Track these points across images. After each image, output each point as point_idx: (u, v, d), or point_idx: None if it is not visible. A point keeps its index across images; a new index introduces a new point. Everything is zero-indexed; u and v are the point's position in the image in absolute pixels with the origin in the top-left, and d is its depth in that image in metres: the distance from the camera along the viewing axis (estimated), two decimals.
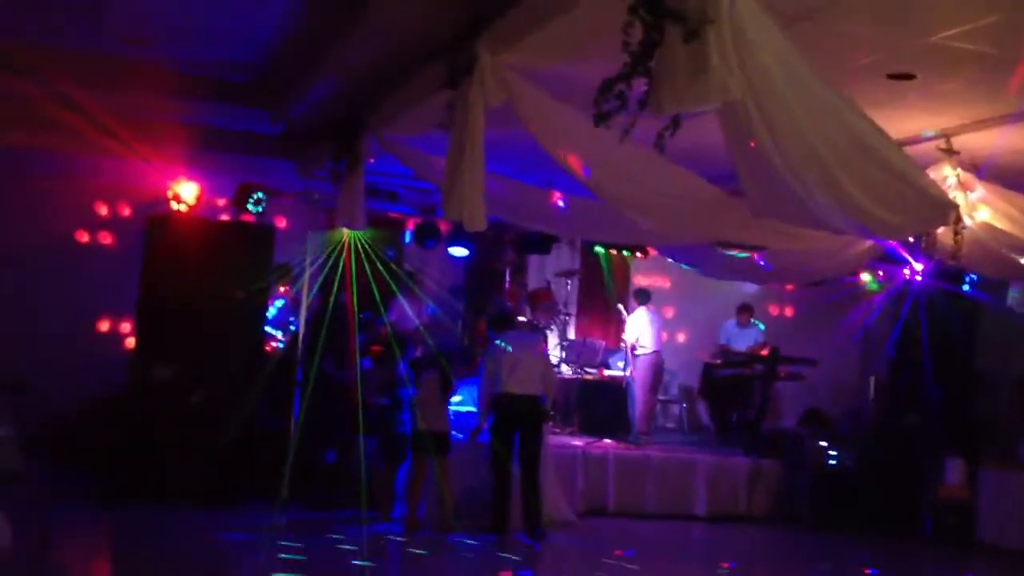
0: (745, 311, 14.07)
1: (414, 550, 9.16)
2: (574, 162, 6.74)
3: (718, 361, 13.91)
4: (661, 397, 14.16)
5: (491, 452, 9.75)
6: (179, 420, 10.45)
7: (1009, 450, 11.65)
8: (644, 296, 13.52)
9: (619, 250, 14.00)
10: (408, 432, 10.11)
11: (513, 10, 6.14)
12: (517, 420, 9.73)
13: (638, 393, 13.07)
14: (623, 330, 13.54)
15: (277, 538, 9.25)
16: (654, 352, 13.09)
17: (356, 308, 11.03)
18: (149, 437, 10.42)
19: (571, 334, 14.50)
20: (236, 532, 9.32)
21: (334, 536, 9.23)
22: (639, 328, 13.13)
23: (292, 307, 12.04)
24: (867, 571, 9.51)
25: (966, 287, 11.73)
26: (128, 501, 9.94)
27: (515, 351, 9.89)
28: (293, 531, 9.38)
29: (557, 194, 8.99)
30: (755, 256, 10.12)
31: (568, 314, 14.48)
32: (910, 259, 9.52)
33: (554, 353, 13.72)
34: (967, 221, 7.72)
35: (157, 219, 11.22)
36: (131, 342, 11.85)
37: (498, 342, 10.10)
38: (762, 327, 13.85)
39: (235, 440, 10.43)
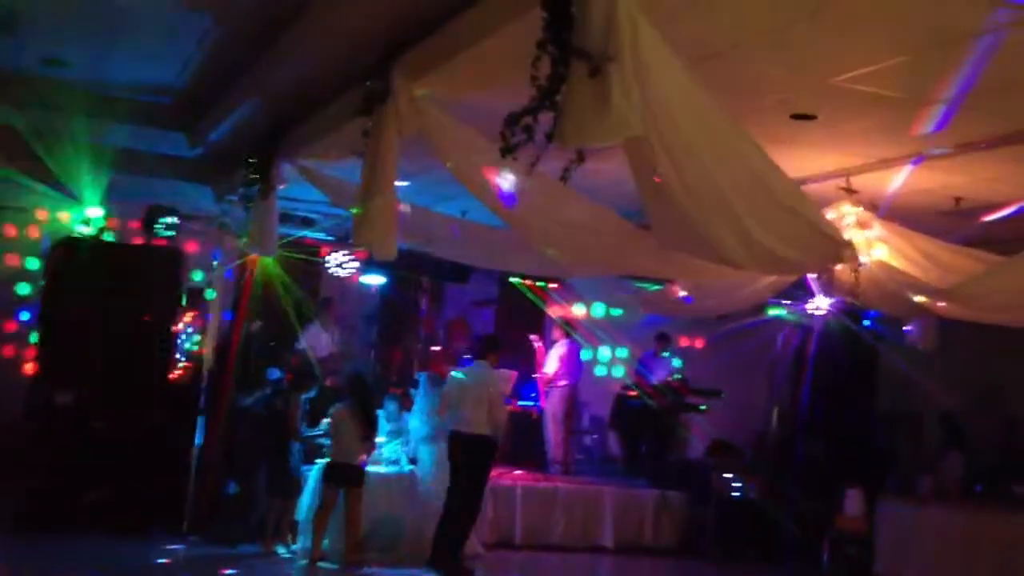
0: (660, 340, 14.28)
1: None
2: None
3: (628, 392, 14.05)
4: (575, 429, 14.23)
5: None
6: (79, 445, 10.23)
7: (909, 482, 11.93)
8: (570, 329, 13.68)
9: (535, 281, 14.08)
10: (299, 466, 9.96)
11: (427, 40, 6.21)
12: (459, 459, 9.57)
13: (551, 426, 13.16)
14: (538, 361, 13.60)
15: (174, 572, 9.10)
16: (568, 385, 13.21)
17: (265, 335, 10.94)
18: (49, 462, 10.15)
19: None
20: (130, 565, 9.13)
21: (231, 571, 9.06)
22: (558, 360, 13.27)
23: (200, 333, 11.87)
24: None
25: (867, 322, 12.05)
26: (26, 528, 9.66)
27: (465, 387, 9.69)
28: (189, 566, 9.20)
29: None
30: (675, 288, 10.30)
31: None
32: (806, 296, 9.74)
33: None
34: (864, 259, 7.95)
35: (61, 241, 11.01)
36: (32, 366, 11.57)
37: (455, 374, 9.95)
38: (677, 363, 14.05)
39: (138, 467, 10.24)
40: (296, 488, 9.95)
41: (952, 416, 12.58)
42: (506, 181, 6.60)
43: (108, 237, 11.43)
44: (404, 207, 8.24)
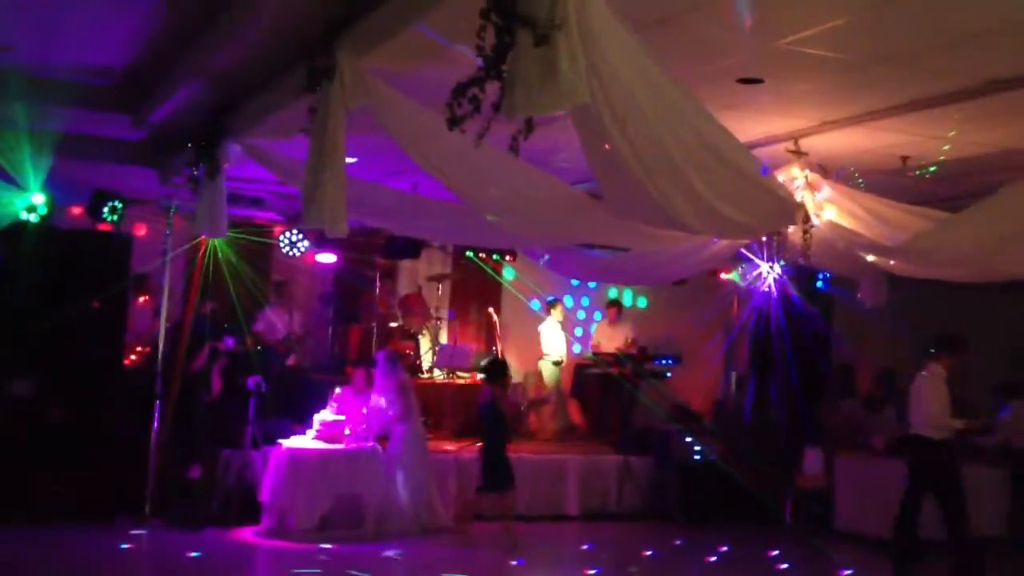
0: (612, 307, 14.35)
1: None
2: None
3: (587, 361, 14.12)
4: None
5: None
6: (37, 435, 10.10)
7: (862, 438, 12.11)
8: (553, 304, 13.74)
9: (489, 254, 14.06)
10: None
11: (372, 14, 6.13)
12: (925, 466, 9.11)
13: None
14: (496, 334, 13.60)
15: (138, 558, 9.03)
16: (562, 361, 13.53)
17: (218, 317, 10.82)
18: (6, 453, 10.01)
19: (443, 338, 14.51)
20: (93, 552, 9.04)
21: (196, 554, 9.00)
22: (550, 337, 13.47)
23: (152, 318, 11.73)
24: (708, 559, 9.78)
25: (820, 283, 12.19)
26: None
27: (924, 390, 9.08)
28: (154, 551, 9.14)
29: None
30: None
31: (440, 319, 14.50)
32: (758, 259, 9.81)
33: (426, 357, 13.74)
34: (815, 220, 8.04)
35: (8, 229, 10.80)
36: None
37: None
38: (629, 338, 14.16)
39: (96, 455, 10.14)
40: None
41: (891, 373, 12.78)
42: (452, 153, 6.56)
43: (54, 223, 11.22)
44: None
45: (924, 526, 9.06)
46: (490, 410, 9.86)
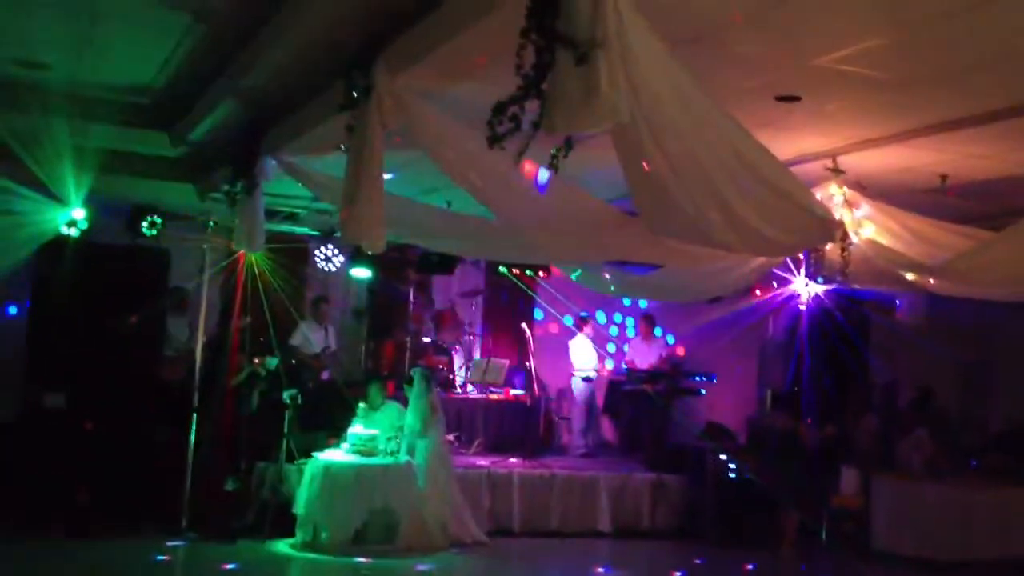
0: (645, 322, 14.31)
1: None
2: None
3: (622, 378, 14.07)
4: (565, 416, 14.29)
5: None
6: (72, 448, 10.19)
7: (898, 458, 11.98)
8: (585, 320, 13.75)
9: (523, 269, 14.08)
10: None
11: (409, 32, 6.17)
12: None
13: (579, 414, 13.62)
14: (529, 350, 13.61)
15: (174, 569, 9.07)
16: (594, 376, 13.64)
17: (255, 331, 10.88)
18: (42, 466, 10.12)
19: (476, 354, 14.52)
20: (129, 564, 9.10)
21: (232, 566, 9.03)
22: (581, 352, 13.54)
23: (189, 332, 11.81)
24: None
25: (857, 301, 12.09)
26: (21, 533, 9.63)
27: None
28: (190, 562, 9.17)
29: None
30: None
31: (473, 334, 14.50)
32: (795, 276, 9.76)
33: (459, 373, 13.75)
34: (853, 238, 7.98)
35: (48, 244, 10.94)
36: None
37: None
38: (670, 340, 14.13)
39: (132, 468, 10.22)
40: None
41: (927, 391, 12.64)
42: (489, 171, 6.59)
43: (93, 238, 11.36)
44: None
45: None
46: (792, 440, 10.78)
